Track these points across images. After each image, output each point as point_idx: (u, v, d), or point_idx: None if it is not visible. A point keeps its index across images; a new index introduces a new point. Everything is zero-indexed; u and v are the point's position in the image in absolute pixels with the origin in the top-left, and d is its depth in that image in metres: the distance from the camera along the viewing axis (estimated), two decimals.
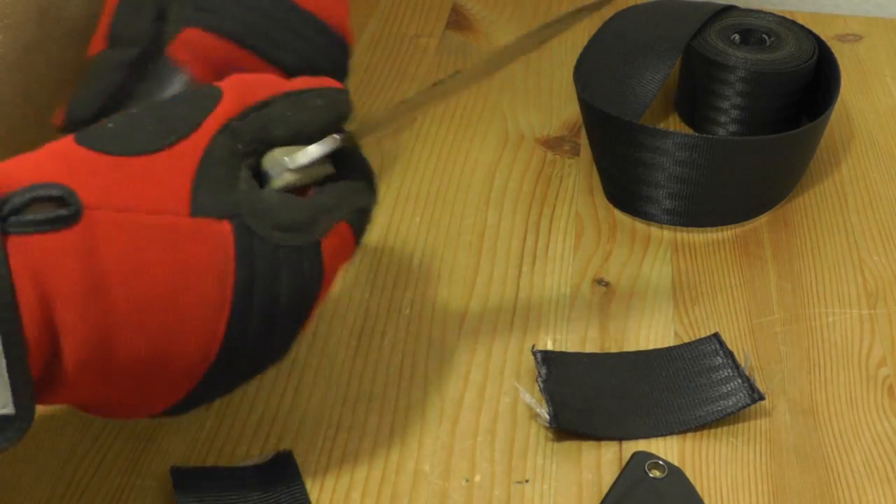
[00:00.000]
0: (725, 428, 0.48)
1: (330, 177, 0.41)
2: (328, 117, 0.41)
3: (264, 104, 0.39)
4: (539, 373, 0.49)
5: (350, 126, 0.42)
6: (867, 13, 0.85)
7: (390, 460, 0.46)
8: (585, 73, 0.65)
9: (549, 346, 0.52)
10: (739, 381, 0.49)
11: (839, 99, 0.63)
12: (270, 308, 0.37)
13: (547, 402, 0.47)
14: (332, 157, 0.41)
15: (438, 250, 0.58)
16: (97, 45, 0.48)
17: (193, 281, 0.36)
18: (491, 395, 0.49)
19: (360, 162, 0.43)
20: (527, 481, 0.45)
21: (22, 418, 0.33)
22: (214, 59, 0.46)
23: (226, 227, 0.36)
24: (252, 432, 0.47)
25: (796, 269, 0.57)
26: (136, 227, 0.34)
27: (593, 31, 0.68)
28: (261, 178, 0.39)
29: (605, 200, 0.62)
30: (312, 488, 0.44)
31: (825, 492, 0.45)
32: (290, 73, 0.47)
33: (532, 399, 0.48)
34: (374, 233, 0.58)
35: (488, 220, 0.60)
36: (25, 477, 0.44)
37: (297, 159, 0.40)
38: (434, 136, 0.67)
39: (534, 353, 0.50)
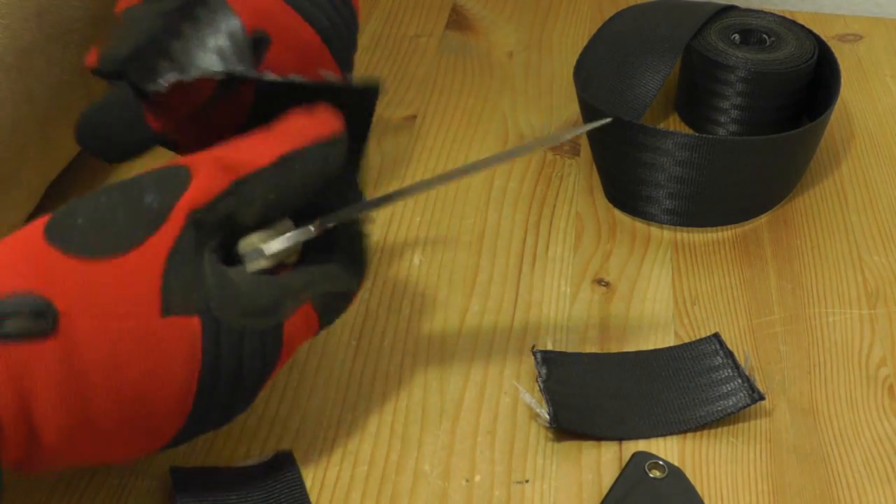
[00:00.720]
0: (725, 428, 0.48)
1: (313, 246, 0.42)
2: (304, 191, 0.41)
3: (234, 187, 0.39)
4: (539, 373, 0.49)
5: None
6: (867, 13, 0.85)
7: (390, 460, 0.46)
8: (585, 73, 0.65)
9: (549, 346, 0.52)
10: (739, 381, 0.49)
11: (839, 99, 0.63)
12: (233, 382, 0.40)
13: (547, 402, 0.47)
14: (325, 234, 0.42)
15: (438, 250, 0.58)
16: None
17: (164, 372, 0.38)
18: (491, 395, 0.49)
19: (352, 243, 0.44)
20: (527, 481, 0.45)
21: None
22: (261, 11, 0.46)
23: (195, 322, 0.38)
24: (252, 432, 0.47)
25: (796, 269, 0.57)
26: (110, 333, 0.36)
27: (593, 31, 0.68)
28: (234, 257, 0.40)
29: (605, 200, 0.62)
30: (312, 488, 0.44)
31: (825, 492, 0.45)
32: (321, 35, 0.47)
33: (532, 399, 0.48)
34: (374, 233, 0.59)
35: (488, 220, 0.60)
36: (25, 477, 0.44)
37: (271, 247, 0.41)
38: (434, 136, 0.67)
39: (534, 353, 0.50)
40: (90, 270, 0.36)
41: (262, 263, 0.40)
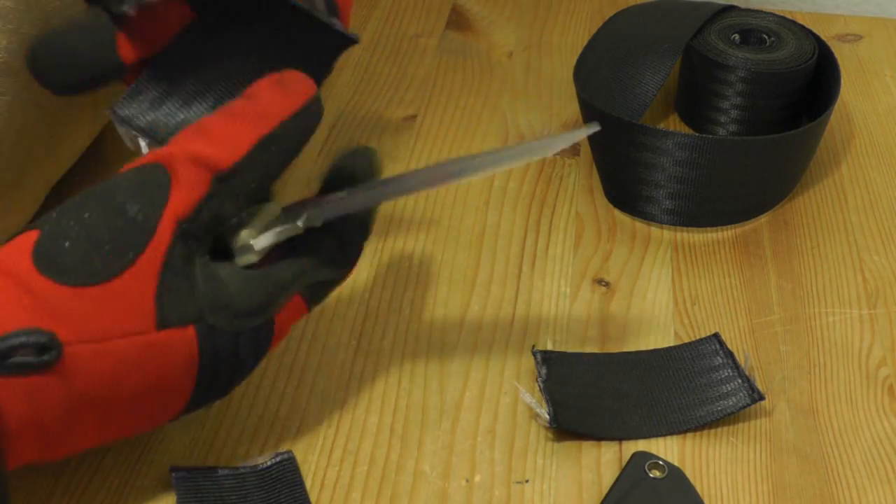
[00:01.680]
0: (725, 428, 0.48)
1: (298, 238, 0.42)
2: (285, 165, 0.42)
3: (215, 188, 0.39)
4: (539, 373, 0.49)
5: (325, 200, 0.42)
6: (867, 13, 0.85)
7: (390, 460, 0.46)
8: (585, 73, 0.65)
9: (549, 346, 0.52)
10: (739, 381, 0.49)
11: (839, 99, 0.63)
12: (229, 372, 0.41)
13: (547, 402, 0.47)
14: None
15: (438, 250, 0.58)
16: None
17: (163, 380, 0.39)
18: (491, 395, 0.49)
19: (344, 231, 0.44)
20: (527, 481, 0.45)
21: None
22: None
23: (189, 332, 0.39)
24: (252, 432, 0.47)
25: (796, 269, 0.57)
26: (110, 354, 0.37)
27: (593, 31, 0.68)
28: (223, 248, 0.41)
29: (605, 200, 0.62)
30: (312, 488, 0.44)
31: (825, 492, 0.45)
32: None
33: (532, 399, 0.48)
34: (374, 233, 0.58)
35: (488, 220, 0.60)
36: (25, 477, 0.44)
37: (260, 242, 0.41)
38: (434, 136, 0.67)
39: (534, 353, 0.50)
40: (86, 298, 0.37)
41: (253, 258, 0.41)
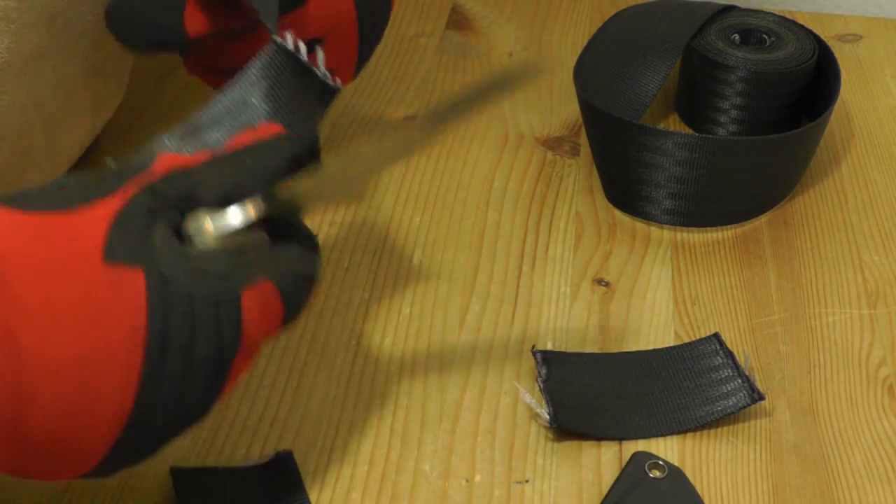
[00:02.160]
0: (725, 428, 0.48)
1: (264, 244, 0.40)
2: (261, 176, 0.39)
3: (193, 169, 0.38)
4: (539, 373, 0.49)
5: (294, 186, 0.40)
6: (867, 13, 0.85)
7: (390, 460, 0.46)
8: (585, 73, 0.65)
9: (549, 346, 0.52)
10: (739, 381, 0.49)
11: (839, 99, 0.63)
12: (184, 360, 0.36)
13: (547, 402, 0.47)
14: (268, 226, 0.39)
15: (438, 250, 0.58)
16: None
17: (106, 332, 0.34)
18: (491, 395, 0.49)
19: (300, 230, 0.41)
20: (527, 481, 0.45)
21: None
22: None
23: (139, 276, 0.35)
24: (252, 432, 0.47)
25: (796, 269, 0.57)
26: (49, 275, 0.34)
27: (593, 31, 0.68)
28: (183, 241, 0.38)
29: (605, 200, 0.62)
30: (312, 488, 0.44)
31: (825, 492, 0.45)
32: (357, 9, 0.48)
33: (532, 399, 0.48)
34: (374, 233, 0.59)
35: (488, 220, 0.60)
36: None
37: (221, 223, 0.38)
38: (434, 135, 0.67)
39: (534, 353, 0.50)
40: (33, 222, 0.34)
41: (211, 243, 0.38)
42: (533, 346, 0.50)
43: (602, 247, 0.58)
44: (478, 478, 0.45)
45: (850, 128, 0.69)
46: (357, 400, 0.49)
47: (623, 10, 0.70)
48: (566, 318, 0.53)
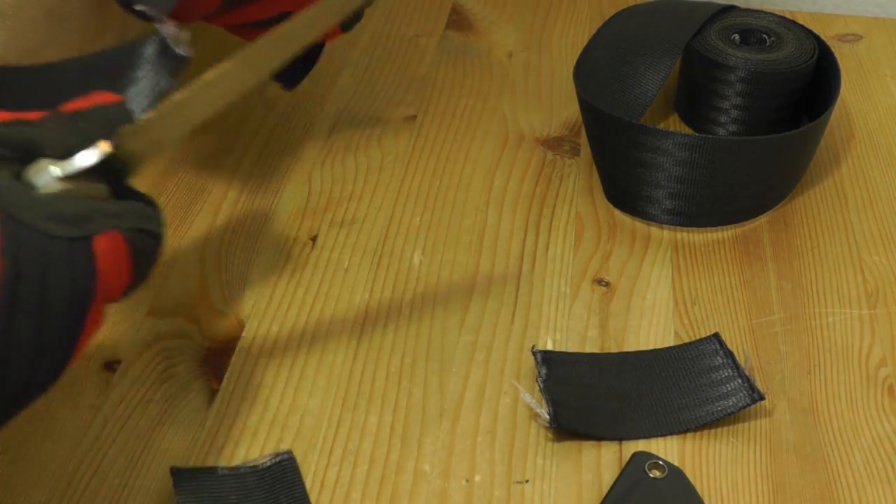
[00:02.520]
0: (725, 428, 0.48)
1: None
2: (100, 132, 0.38)
3: (35, 121, 0.37)
4: (539, 373, 0.49)
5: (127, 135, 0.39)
6: (867, 13, 0.85)
7: (390, 460, 0.46)
8: (585, 73, 0.65)
9: (549, 346, 0.52)
10: (739, 381, 0.49)
11: (839, 99, 0.63)
12: (39, 302, 0.34)
13: (547, 402, 0.47)
14: (108, 183, 0.38)
15: (438, 250, 0.58)
16: None
17: None
18: (491, 395, 0.49)
19: (139, 193, 0.40)
20: (527, 481, 0.45)
21: None
22: None
23: None
24: (252, 432, 0.47)
25: (796, 269, 0.57)
26: None
27: (593, 31, 0.68)
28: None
29: (605, 200, 0.62)
30: (312, 488, 0.44)
31: (825, 492, 0.45)
32: None
33: (532, 399, 0.48)
34: (375, 233, 0.59)
35: (488, 220, 0.60)
36: (25, 477, 0.44)
37: (65, 167, 0.37)
38: (434, 136, 0.67)
39: (534, 353, 0.50)
40: None
41: (54, 186, 0.36)
42: (533, 346, 0.50)
43: (602, 247, 0.58)
44: (478, 478, 0.45)
45: (850, 128, 0.69)
46: (357, 400, 0.49)
47: (623, 10, 0.70)
48: (566, 318, 0.53)
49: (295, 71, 0.61)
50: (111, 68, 0.46)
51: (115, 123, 0.39)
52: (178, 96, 0.39)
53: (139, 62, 0.47)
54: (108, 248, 0.37)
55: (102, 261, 0.36)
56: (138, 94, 0.46)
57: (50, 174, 0.36)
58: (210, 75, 0.40)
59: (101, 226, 0.36)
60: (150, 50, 0.47)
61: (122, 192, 0.39)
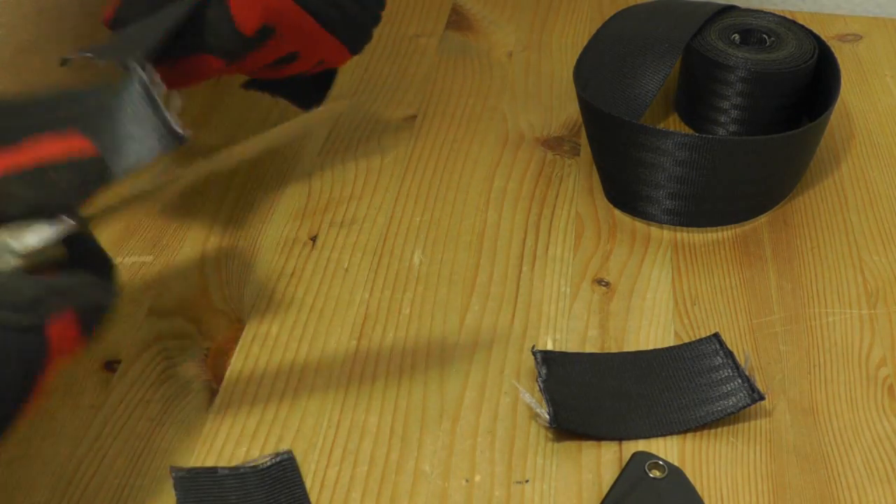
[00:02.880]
0: (725, 428, 0.48)
1: (62, 262, 0.38)
2: (68, 195, 0.38)
3: None
4: (539, 373, 0.49)
5: (90, 207, 0.39)
6: (867, 13, 0.85)
7: (390, 460, 0.46)
8: (585, 73, 0.65)
9: (549, 346, 0.52)
10: (739, 381, 0.49)
11: (839, 99, 0.63)
12: None
13: (547, 402, 0.47)
14: (66, 243, 0.38)
15: (438, 250, 0.58)
16: None
17: None
18: (491, 395, 0.49)
19: (96, 252, 0.40)
20: (527, 481, 0.45)
21: None
22: (269, 9, 0.50)
23: None
24: (252, 432, 0.47)
25: (796, 269, 0.57)
26: None
27: (593, 31, 0.68)
28: None
29: (605, 200, 0.62)
30: (312, 488, 0.44)
31: (825, 492, 0.45)
32: (322, 24, 0.51)
33: (532, 399, 0.48)
34: (375, 233, 0.59)
35: (488, 220, 0.60)
36: (25, 477, 0.44)
37: (23, 241, 0.37)
38: (434, 136, 0.67)
39: (534, 353, 0.50)
40: None
41: (12, 261, 0.36)
42: (533, 346, 0.50)
43: (602, 247, 0.58)
44: (478, 478, 0.45)
45: (850, 128, 0.69)
46: (357, 400, 0.49)
47: (623, 10, 0.70)
48: (566, 318, 0.53)
49: (309, 93, 0.61)
50: (90, 107, 0.43)
51: (88, 184, 0.38)
52: (146, 185, 0.39)
53: (121, 113, 0.43)
54: (60, 330, 0.36)
55: (55, 342, 0.36)
56: (116, 150, 0.42)
57: (7, 249, 0.36)
58: (183, 170, 0.40)
59: (53, 307, 0.36)
60: (134, 98, 0.43)
61: (80, 250, 0.38)
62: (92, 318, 0.38)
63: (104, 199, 0.38)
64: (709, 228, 0.60)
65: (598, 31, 0.68)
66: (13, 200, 0.37)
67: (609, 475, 0.45)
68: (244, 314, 0.53)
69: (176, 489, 0.43)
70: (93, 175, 0.38)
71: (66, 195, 0.38)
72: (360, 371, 0.50)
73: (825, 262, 0.58)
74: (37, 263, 0.37)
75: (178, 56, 0.49)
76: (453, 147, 0.66)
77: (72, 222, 0.37)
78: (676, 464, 0.46)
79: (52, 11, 0.52)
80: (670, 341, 0.52)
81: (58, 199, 0.37)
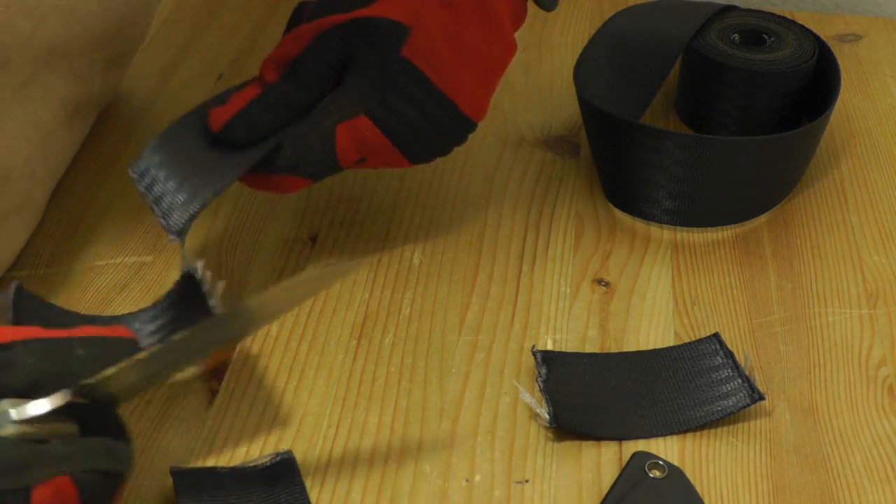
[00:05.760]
0: (725, 428, 0.48)
1: (73, 431, 0.39)
2: (83, 368, 0.39)
3: (6, 346, 0.37)
4: (539, 373, 0.49)
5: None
6: (867, 13, 0.85)
7: (390, 460, 0.46)
8: (585, 73, 0.65)
9: (549, 346, 0.52)
10: (739, 381, 0.49)
11: (839, 99, 0.63)
12: None
13: (547, 402, 0.47)
14: (79, 416, 0.38)
15: (438, 250, 0.58)
16: (269, 70, 0.51)
17: None
18: (491, 395, 0.49)
19: (113, 421, 0.40)
20: (527, 481, 0.45)
21: None
22: (364, 141, 0.51)
23: None
24: (252, 432, 0.47)
25: (796, 269, 0.57)
26: None
27: (593, 31, 0.68)
28: None
29: (605, 200, 0.62)
30: (312, 488, 0.44)
31: (825, 492, 0.45)
32: (390, 138, 0.51)
33: (532, 399, 0.48)
34: (375, 233, 0.59)
35: (488, 220, 0.60)
36: None
37: (22, 411, 0.37)
38: None
39: (534, 353, 0.50)
40: None
41: (11, 430, 0.37)
42: (533, 346, 0.50)
43: (602, 247, 0.58)
44: (478, 478, 0.45)
45: (850, 128, 0.69)
46: (357, 400, 0.49)
47: (623, 10, 0.70)
48: (566, 318, 0.53)
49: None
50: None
51: (111, 360, 0.39)
52: (145, 361, 0.39)
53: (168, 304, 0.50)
54: (48, 496, 0.37)
55: None
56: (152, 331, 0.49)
57: (5, 417, 0.37)
58: (172, 346, 0.40)
59: (42, 474, 0.36)
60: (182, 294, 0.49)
61: (95, 426, 0.39)
62: (97, 486, 0.38)
63: (126, 374, 0.39)
64: (709, 228, 0.60)
65: (599, 31, 0.68)
66: (17, 371, 0.38)
67: (609, 475, 0.45)
68: None
69: (176, 489, 0.43)
70: (120, 354, 0.40)
71: (81, 368, 0.39)
72: (360, 371, 0.50)
73: (825, 262, 0.58)
74: (43, 435, 0.37)
75: (268, 173, 0.50)
76: None
77: (67, 395, 0.38)
78: (676, 464, 0.46)
79: (62, 47, 0.53)
80: (670, 341, 0.52)
81: (66, 372, 0.39)
